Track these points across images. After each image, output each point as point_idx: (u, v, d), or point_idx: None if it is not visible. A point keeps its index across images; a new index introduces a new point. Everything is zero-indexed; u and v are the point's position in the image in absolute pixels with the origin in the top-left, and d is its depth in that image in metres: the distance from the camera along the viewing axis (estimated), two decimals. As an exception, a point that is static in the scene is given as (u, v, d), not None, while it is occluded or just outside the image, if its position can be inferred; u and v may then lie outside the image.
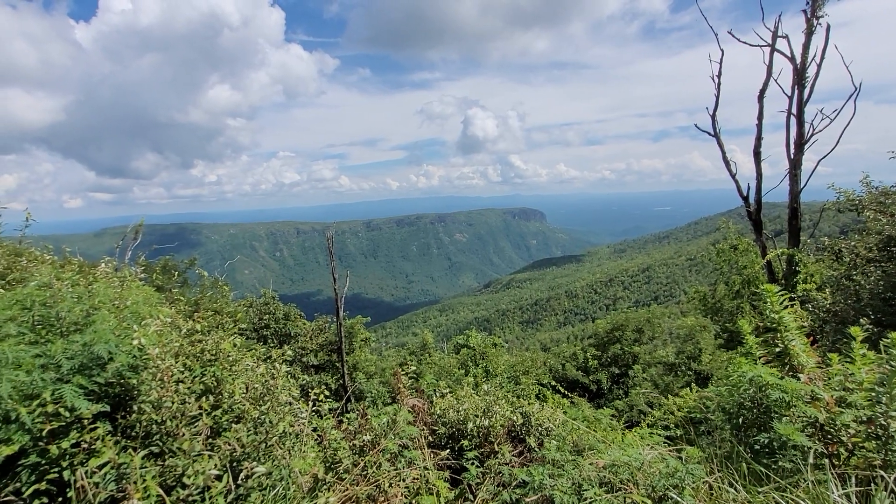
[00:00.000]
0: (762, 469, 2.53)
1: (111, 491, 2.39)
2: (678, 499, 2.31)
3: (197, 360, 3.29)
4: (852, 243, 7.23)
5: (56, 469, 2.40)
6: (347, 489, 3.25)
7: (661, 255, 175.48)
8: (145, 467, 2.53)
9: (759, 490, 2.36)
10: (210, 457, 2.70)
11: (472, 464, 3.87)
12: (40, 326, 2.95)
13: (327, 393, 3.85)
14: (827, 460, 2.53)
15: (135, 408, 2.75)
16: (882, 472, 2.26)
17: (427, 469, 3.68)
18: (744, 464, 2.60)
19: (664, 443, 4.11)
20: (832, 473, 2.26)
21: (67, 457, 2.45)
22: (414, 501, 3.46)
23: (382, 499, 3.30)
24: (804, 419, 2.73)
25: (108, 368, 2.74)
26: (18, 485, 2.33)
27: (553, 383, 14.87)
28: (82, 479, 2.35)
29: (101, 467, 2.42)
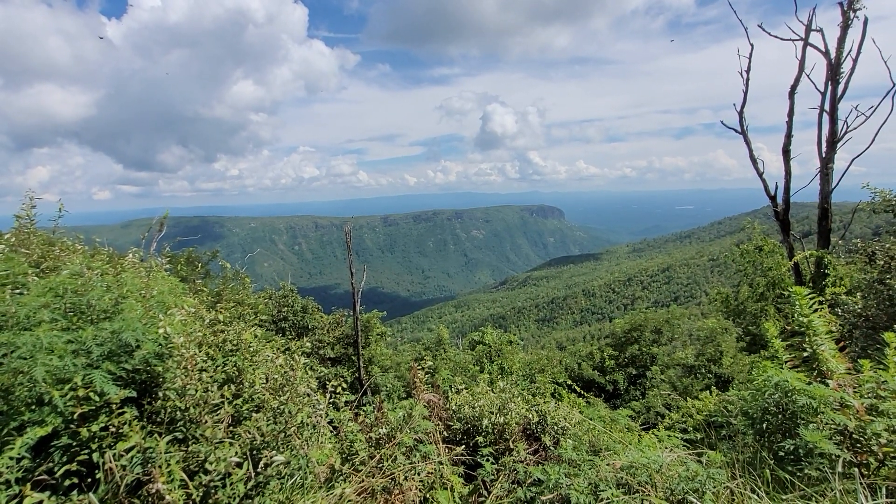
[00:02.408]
0: (787, 476, 2.46)
1: (137, 474, 2.47)
2: (698, 503, 2.27)
3: (219, 350, 3.37)
4: (887, 245, 6.95)
5: (86, 451, 2.49)
6: (363, 481, 3.29)
7: (683, 255, 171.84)
8: (170, 452, 2.60)
9: (784, 498, 2.29)
10: (231, 444, 2.77)
11: (487, 460, 3.87)
12: (72, 314, 3.05)
13: (344, 385, 3.90)
14: (856, 470, 2.44)
15: (160, 394, 2.83)
16: (915, 485, 2.17)
17: (442, 464, 3.70)
18: (767, 470, 2.53)
19: (683, 446, 4.04)
20: (861, 484, 2.18)
21: (96, 440, 2.54)
22: (428, 495, 3.48)
23: (397, 492, 3.33)
24: (832, 426, 2.64)
25: (136, 355, 2.83)
26: (51, 465, 2.43)
27: (569, 382, 14.76)
28: (110, 462, 2.44)
29: (128, 451, 2.50)
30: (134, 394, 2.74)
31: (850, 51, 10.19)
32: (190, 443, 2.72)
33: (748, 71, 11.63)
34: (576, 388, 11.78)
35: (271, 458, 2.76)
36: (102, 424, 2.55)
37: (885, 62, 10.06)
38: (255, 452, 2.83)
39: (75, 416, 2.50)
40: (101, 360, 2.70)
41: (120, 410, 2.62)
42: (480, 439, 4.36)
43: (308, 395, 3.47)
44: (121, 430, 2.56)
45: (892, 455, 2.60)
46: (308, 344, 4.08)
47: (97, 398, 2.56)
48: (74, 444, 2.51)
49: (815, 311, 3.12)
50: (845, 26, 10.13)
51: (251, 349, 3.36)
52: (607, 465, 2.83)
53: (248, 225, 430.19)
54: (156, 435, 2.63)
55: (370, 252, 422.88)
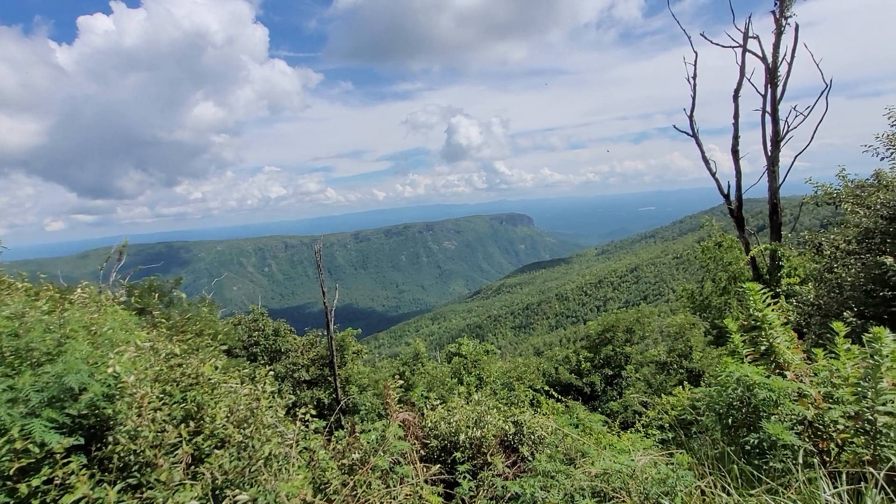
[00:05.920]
0: (753, 471, 2.51)
1: (86, 528, 2.28)
2: (670, 506, 2.28)
3: (177, 385, 3.19)
4: (832, 236, 7.34)
5: (27, 508, 2.29)
6: (337, 511, 3.16)
7: (649, 255, 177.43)
8: (122, 501, 2.42)
9: (751, 493, 2.34)
10: (192, 486, 2.60)
11: (465, 478, 3.80)
12: (12, 357, 2.83)
13: (314, 412, 3.76)
14: (817, 458, 2.52)
15: (110, 438, 2.64)
16: (871, 469, 2.25)
17: (419, 485, 3.60)
18: (735, 466, 2.59)
19: (658, 445, 4.09)
20: (822, 472, 2.24)
21: (39, 494, 2.34)
22: (407, 519, 3.37)
23: (374, 519, 3.21)
24: (793, 417, 2.72)
25: (81, 399, 2.63)
26: (-14, 528, 2.22)
27: (546, 388, 14.82)
28: (54, 518, 2.25)
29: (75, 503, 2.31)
30: (81, 441, 2.55)
31: (785, 55, 10.89)
32: (145, 489, 2.54)
33: (694, 77, 12.23)
34: (553, 393, 11.83)
35: (235, 497, 2.61)
36: (45, 477, 2.35)
37: (818, 65, 10.79)
38: (217, 493, 2.67)
39: (12, 471, 2.30)
40: (42, 407, 2.50)
41: (65, 460, 2.42)
42: (458, 455, 4.29)
43: (275, 425, 3.33)
44: (67, 482, 2.37)
45: (850, 441, 2.71)
46: (281, 368, 3.92)
47: (38, 450, 2.36)
48: (12, 501, 2.30)
49: (769, 304, 3.25)
50: (779, 33, 10.82)
51: (211, 382, 3.20)
52: (583, 473, 2.82)
53: (215, 249, 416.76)
54: (106, 484, 2.45)
55: (343, 269, 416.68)
